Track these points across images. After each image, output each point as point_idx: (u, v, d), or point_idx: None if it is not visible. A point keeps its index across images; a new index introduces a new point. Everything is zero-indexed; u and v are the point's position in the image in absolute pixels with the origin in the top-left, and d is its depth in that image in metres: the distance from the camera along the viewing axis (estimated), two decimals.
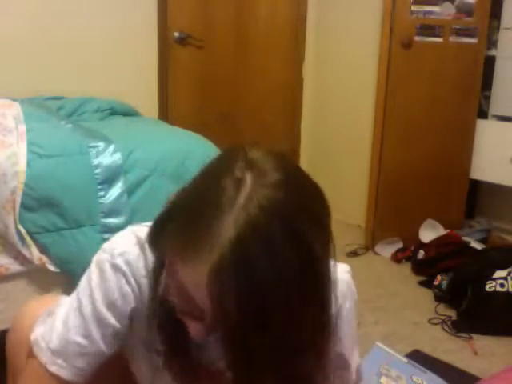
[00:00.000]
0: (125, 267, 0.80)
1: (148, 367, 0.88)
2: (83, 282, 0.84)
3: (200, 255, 0.59)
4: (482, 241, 2.89)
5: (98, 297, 0.80)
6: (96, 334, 0.81)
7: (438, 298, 2.45)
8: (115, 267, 0.80)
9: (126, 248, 0.82)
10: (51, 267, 1.60)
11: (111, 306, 0.80)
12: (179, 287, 0.65)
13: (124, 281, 0.81)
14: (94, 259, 0.84)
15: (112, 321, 0.81)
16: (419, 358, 1.89)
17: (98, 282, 0.81)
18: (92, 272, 0.83)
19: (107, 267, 0.81)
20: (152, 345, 0.82)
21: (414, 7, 2.83)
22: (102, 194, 1.64)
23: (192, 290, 0.63)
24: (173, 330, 0.76)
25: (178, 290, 0.65)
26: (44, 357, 0.82)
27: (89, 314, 0.80)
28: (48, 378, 0.82)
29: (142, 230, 0.83)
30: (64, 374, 0.81)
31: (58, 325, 0.83)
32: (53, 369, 0.81)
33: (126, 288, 0.81)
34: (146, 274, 0.81)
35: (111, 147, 1.70)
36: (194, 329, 0.69)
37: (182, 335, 0.75)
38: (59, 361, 0.81)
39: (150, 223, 0.81)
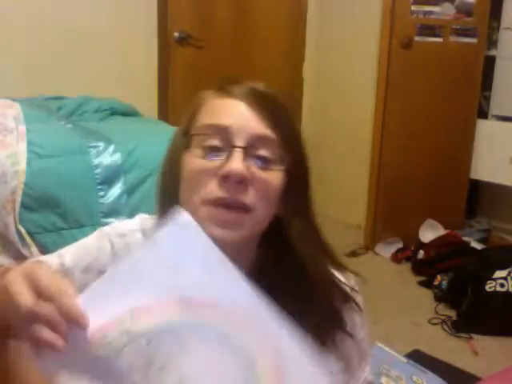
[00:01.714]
0: (119, 245, 0.79)
1: None
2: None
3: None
4: (481, 241, 2.89)
5: (82, 256, 0.79)
6: None
7: (438, 298, 2.45)
8: (111, 243, 0.80)
9: (129, 233, 0.81)
10: None
11: (85, 270, 0.78)
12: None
13: (111, 259, 0.79)
14: (96, 231, 0.83)
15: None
16: (419, 358, 1.89)
17: (85, 245, 0.80)
18: (87, 238, 0.82)
19: (104, 240, 0.80)
20: None
21: (413, 7, 2.83)
22: (101, 193, 1.65)
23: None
24: None
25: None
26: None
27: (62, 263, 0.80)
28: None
29: (148, 218, 0.84)
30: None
31: None
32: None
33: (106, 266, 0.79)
34: None
35: (111, 147, 1.70)
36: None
37: None
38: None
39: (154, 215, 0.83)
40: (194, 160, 0.72)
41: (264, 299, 0.61)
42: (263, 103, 0.73)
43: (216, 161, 0.70)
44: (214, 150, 0.71)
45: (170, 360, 0.58)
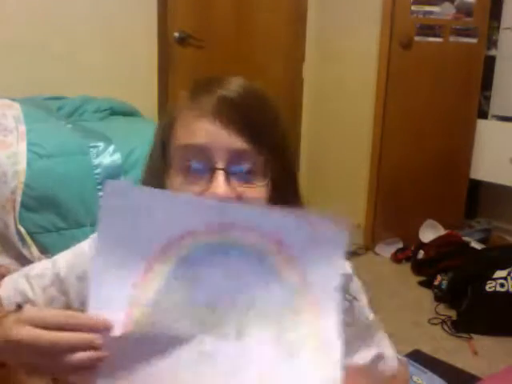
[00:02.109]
0: None
1: None
2: None
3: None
4: (482, 241, 2.89)
5: (77, 263, 0.78)
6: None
7: (438, 298, 2.45)
8: None
9: None
10: None
11: (80, 278, 0.77)
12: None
13: None
14: (91, 236, 0.83)
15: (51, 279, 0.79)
16: (419, 357, 1.89)
17: (80, 251, 0.80)
18: (83, 243, 0.83)
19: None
20: None
21: (413, 7, 2.83)
22: (102, 194, 1.64)
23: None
24: None
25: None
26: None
27: (52, 271, 0.80)
28: None
29: None
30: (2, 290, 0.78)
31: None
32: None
33: None
34: None
35: (111, 147, 1.71)
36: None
37: None
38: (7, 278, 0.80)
39: None
40: (174, 185, 0.70)
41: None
42: (237, 113, 0.70)
43: (198, 184, 0.68)
44: (194, 172, 0.69)
45: (191, 293, 0.60)
